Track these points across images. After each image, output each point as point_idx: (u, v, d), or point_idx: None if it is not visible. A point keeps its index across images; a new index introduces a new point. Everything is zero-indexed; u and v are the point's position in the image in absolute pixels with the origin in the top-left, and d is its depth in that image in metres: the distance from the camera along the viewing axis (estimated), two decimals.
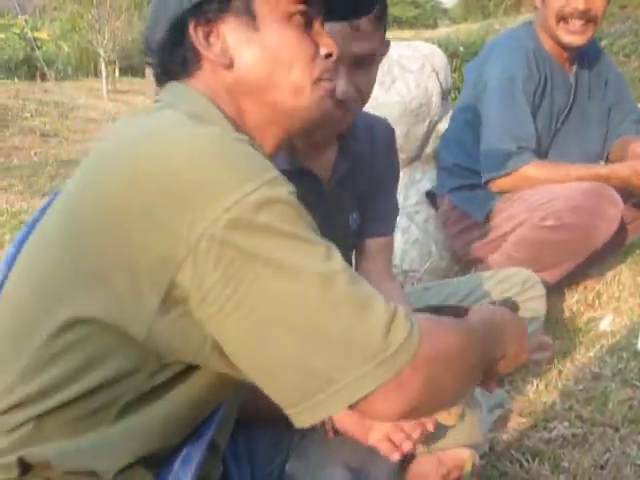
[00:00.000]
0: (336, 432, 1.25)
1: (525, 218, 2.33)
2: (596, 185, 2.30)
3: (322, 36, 0.97)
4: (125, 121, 0.93)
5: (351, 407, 0.76)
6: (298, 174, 1.37)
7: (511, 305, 1.12)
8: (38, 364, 0.84)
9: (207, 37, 0.94)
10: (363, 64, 1.28)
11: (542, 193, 2.34)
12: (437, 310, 1.15)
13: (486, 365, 0.92)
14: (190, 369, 0.85)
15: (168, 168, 0.77)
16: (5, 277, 0.94)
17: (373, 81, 1.34)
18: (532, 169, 2.39)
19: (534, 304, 1.91)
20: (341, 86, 1.27)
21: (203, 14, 0.93)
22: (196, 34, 0.93)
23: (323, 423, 1.24)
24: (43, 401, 0.84)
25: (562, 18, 2.40)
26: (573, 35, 2.41)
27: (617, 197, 2.30)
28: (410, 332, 0.76)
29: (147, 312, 0.77)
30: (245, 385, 0.84)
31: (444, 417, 1.24)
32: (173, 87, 0.97)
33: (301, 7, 0.94)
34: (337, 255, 0.78)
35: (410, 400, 0.77)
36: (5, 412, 0.86)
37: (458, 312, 1.09)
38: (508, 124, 2.41)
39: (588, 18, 2.38)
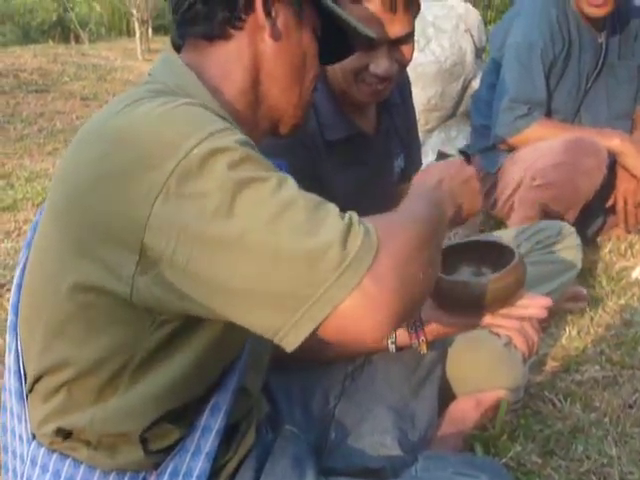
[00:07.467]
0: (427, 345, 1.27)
1: (521, 178, 2.39)
2: (574, 138, 2.33)
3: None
4: (113, 100, 0.97)
5: (331, 322, 0.75)
6: (353, 138, 1.48)
7: (444, 156, 1.15)
8: (54, 333, 0.91)
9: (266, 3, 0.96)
10: (402, 42, 1.35)
11: (529, 151, 2.39)
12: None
13: (443, 229, 0.95)
14: (191, 326, 0.89)
15: (125, 139, 0.82)
16: (27, 259, 1.01)
17: (412, 50, 1.40)
18: (536, 128, 2.43)
19: (570, 254, 1.98)
20: (384, 65, 1.33)
21: None
22: None
23: (418, 339, 1.26)
24: (66, 369, 0.91)
25: None
26: (595, 7, 2.42)
27: (597, 146, 2.32)
28: (366, 235, 0.77)
29: (127, 273, 0.82)
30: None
31: None
32: (165, 60, 1.00)
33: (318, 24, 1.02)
34: (289, 183, 0.80)
35: (388, 298, 0.76)
36: (38, 380, 0.94)
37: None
38: (519, 90, 2.44)
39: None
